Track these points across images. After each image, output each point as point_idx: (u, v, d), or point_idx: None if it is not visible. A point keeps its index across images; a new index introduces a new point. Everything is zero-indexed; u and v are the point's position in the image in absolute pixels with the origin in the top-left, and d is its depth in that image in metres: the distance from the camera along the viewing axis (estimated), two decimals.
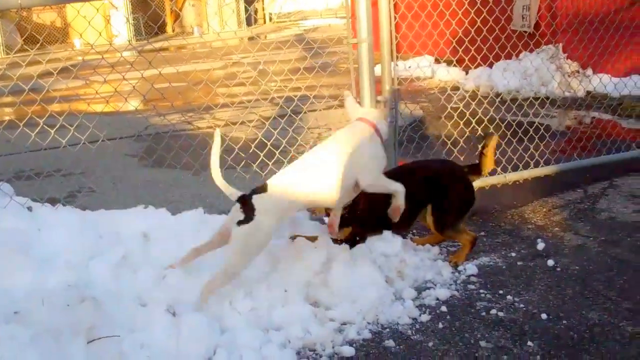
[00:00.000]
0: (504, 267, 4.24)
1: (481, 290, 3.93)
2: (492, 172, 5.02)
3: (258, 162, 5.10)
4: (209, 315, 3.48)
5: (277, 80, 6.97)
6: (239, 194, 3.62)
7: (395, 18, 4.96)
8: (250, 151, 5.18)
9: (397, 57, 4.97)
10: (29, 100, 5.01)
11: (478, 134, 5.62)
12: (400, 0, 7.60)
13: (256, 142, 5.22)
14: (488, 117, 6.37)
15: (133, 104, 9.04)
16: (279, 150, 5.19)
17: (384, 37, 4.66)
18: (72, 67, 5.93)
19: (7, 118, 8.86)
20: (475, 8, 6.18)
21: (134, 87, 5.00)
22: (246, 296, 3.63)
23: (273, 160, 5.06)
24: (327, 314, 3.64)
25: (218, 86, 5.71)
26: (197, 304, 3.52)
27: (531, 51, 9.38)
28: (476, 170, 4.52)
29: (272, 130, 5.35)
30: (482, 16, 6.34)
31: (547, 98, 8.53)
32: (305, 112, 7.12)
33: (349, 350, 3.36)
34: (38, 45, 4.52)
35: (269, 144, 5.14)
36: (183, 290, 3.61)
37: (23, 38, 21.15)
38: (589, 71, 9.45)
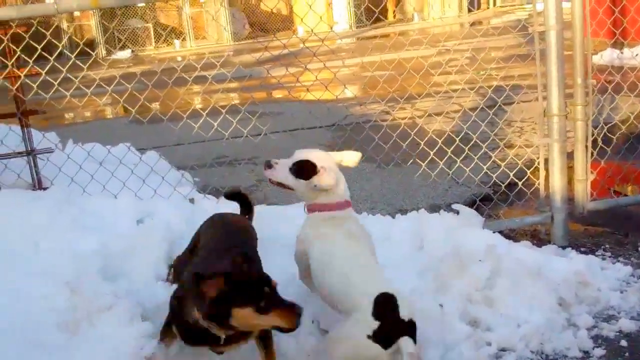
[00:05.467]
0: None
1: None
2: None
3: (462, 157, 4.99)
4: None
5: (488, 68, 6.60)
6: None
7: None
8: (438, 146, 4.87)
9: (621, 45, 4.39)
10: (247, 86, 5.21)
11: None
12: None
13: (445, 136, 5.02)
14: None
15: (337, 92, 9.07)
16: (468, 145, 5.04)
17: (577, 22, 4.09)
18: (291, 54, 6.09)
19: (202, 105, 9.27)
20: None
21: (334, 75, 5.15)
22: None
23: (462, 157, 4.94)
24: (485, 336, 3.28)
25: (422, 75, 5.52)
26: None
27: None
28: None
29: (479, 122, 5.18)
30: None
31: None
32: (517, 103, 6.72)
33: None
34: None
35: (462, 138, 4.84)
36: None
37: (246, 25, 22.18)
38: None
